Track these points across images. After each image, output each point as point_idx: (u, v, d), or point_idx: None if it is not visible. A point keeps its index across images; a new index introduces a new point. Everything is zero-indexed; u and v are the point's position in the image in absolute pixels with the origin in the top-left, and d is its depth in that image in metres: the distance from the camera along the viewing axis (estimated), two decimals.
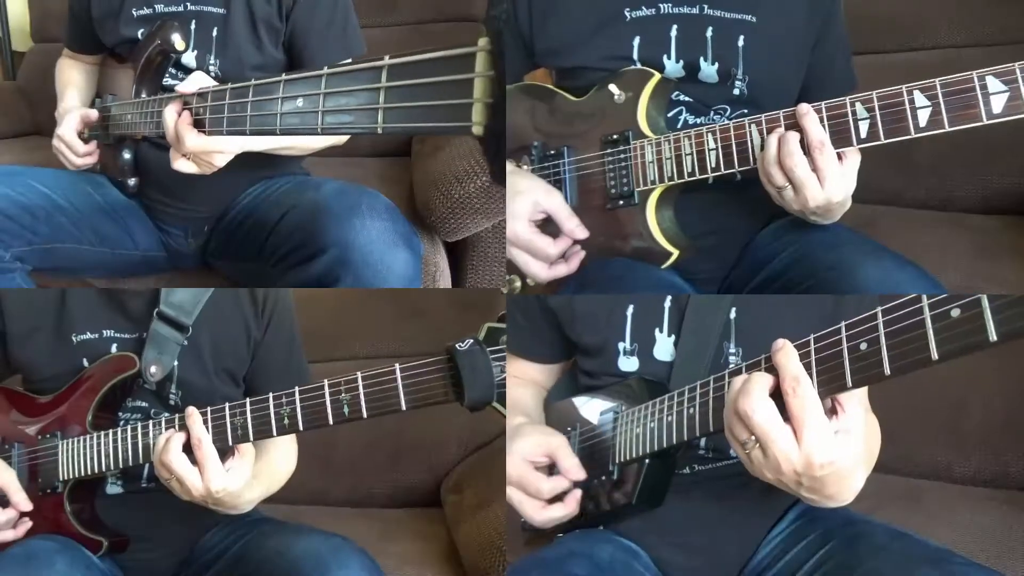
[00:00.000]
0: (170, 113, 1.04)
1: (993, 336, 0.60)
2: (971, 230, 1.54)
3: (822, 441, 0.72)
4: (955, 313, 0.62)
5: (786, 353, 0.74)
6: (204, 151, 1.07)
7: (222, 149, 1.09)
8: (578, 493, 0.97)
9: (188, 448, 0.97)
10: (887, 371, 0.68)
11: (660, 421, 0.91)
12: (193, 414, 0.97)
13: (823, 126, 0.93)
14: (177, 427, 0.99)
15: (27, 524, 1.06)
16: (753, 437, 0.74)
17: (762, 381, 0.74)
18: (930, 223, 1.56)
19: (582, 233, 1.07)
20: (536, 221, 1.07)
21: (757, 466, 0.76)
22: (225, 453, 0.97)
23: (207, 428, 0.97)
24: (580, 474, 0.97)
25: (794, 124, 0.95)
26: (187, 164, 1.12)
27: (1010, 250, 1.46)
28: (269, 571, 1.00)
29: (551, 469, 0.99)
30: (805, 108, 0.93)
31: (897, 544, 0.87)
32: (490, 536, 1.25)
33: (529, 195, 1.06)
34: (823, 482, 0.75)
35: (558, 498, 0.97)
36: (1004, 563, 1.18)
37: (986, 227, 1.55)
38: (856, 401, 0.75)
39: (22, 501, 1.06)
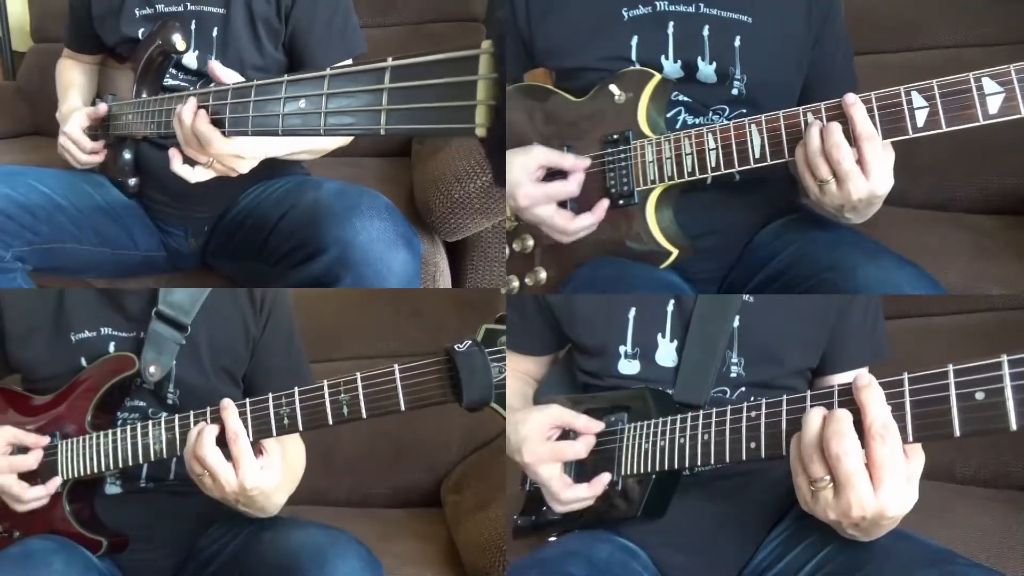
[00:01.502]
0: (188, 112, 1.01)
1: (1013, 426, 0.64)
2: (971, 230, 1.54)
3: (898, 492, 0.71)
4: (979, 396, 0.66)
5: (873, 393, 0.71)
6: (232, 154, 1.03)
7: (248, 153, 1.05)
8: (605, 477, 0.96)
9: (219, 443, 0.94)
10: (911, 438, 0.71)
11: (672, 442, 0.91)
12: (229, 407, 0.95)
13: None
14: (208, 420, 0.96)
15: (57, 480, 1.05)
16: (828, 477, 0.73)
17: (850, 421, 0.72)
18: (930, 223, 1.56)
19: (583, 161, 1.07)
20: (539, 180, 1.07)
21: (821, 504, 0.74)
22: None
23: None
24: (599, 425, 0.97)
25: (794, 124, 0.95)
26: (203, 172, 1.09)
27: (1010, 250, 1.46)
28: (268, 564, 1.00)
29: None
30: (852, 98, 0.90)
31: (899, 545, 0.86)
32: (490, 536, 1.25)
33: (515, 162, 1.06)
34: (880, 527, 0.75)
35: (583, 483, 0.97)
36: (1004, 563, 1.18)
37: (986, 227, 1.55)
38: (920, 448, 0.74)
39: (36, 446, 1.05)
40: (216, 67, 1.08)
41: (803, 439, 0.74)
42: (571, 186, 1.06)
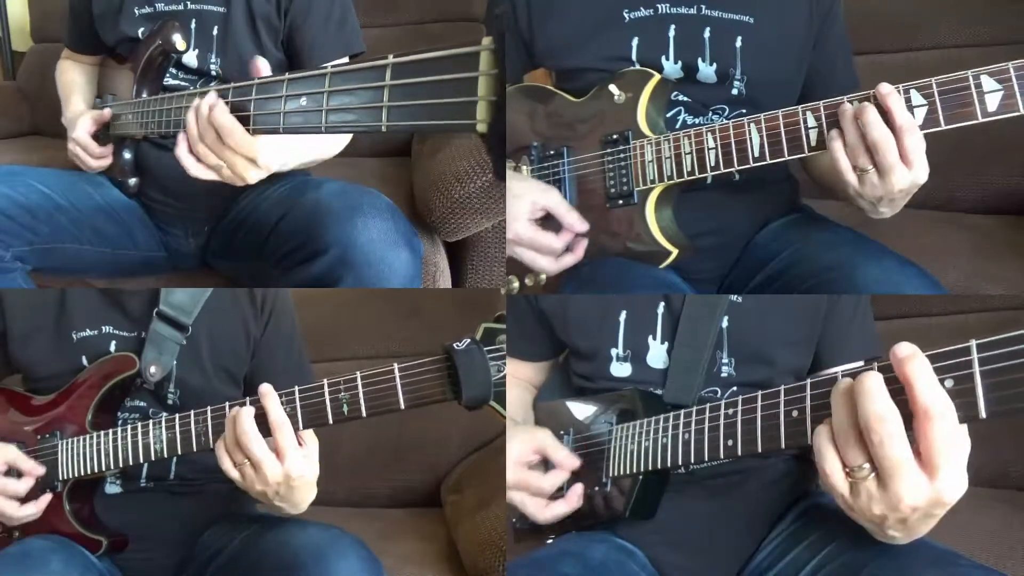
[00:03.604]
0: (206, 102, 0.93)
1: (983, 413, 0.61)
2: (971, 230, 1.54)
3: (959, 478, 0.63)
4: (948, 384, 0.62)
5: (920, 364, 0.61)
6: (249, 156, 0.95)
7: (264, 159, 0.96)
8: (579, 488, 0.97)
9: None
10: None
11: (655, 441, 0.91)
12: (270, 393, 0.91)
13: (822, 122, 0.93)
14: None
15: (47, 498, 1.05)
16: (868, 465, 0.64)
17: (887, 395, 0.62)
18: (930, 223, 1.56)
19: (582, 226, 1.07)
20: (536, 219, 1.08)
21: (863, 498, 0.65)
22: None
23: (207, 428, 0.97)
24: (575, 462, 0.97)
25: (793, 124, 0.95)
26: (208, 170, 0.99)
27: (1010, 250, 1.46)
28: (269, 563, 1.00)
29: (546, 465, 0.99)
30: (887, 88, 0.88)
31: (902, 546, 0.86)
32: (490, 536, 1.25)
33: (526, 196, 1.06)
34: (930, 520, 0.67)
35: (560, 495, 0.97)
36: (1004, 563, 1.17)
37: (986, 227, 1.56)
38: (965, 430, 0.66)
39: None
40: (256, 62, 0.97)
41: (835, 420, 0.66)
42: (557, 243, 1.06)
